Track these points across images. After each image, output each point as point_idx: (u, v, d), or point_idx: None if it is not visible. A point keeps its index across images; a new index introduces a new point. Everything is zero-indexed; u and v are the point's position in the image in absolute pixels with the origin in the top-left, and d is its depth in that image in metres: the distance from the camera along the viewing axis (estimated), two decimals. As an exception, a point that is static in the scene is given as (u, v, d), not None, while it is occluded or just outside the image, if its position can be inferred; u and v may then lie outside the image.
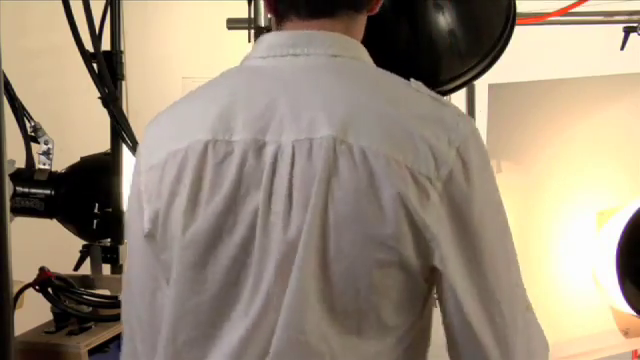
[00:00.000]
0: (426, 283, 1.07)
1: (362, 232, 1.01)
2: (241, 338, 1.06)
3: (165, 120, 1.15)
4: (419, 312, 1.10)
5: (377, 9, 1.19)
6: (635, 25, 2.28)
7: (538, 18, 2.28)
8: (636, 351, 2.29)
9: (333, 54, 1.09)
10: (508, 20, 1.83)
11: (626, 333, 2.05)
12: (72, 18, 1.94)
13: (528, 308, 1.14)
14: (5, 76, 1.72)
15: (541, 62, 3.37)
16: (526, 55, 2.94)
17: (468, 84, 1.90)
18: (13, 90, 1.88)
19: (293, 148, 1.02)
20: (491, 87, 1.77)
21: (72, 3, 1.94)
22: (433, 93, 1.11)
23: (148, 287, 1.16)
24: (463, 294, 1.05)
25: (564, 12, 2.21)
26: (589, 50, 3.47)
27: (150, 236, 1.13)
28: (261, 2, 2.32)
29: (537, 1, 2.25)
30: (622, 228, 1.93)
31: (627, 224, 1.93)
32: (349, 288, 1.03)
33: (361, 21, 1.17)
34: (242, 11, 2.35)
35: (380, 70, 1.14)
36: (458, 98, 2.28)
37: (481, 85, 1.86)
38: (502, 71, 1.85)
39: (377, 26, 1.85)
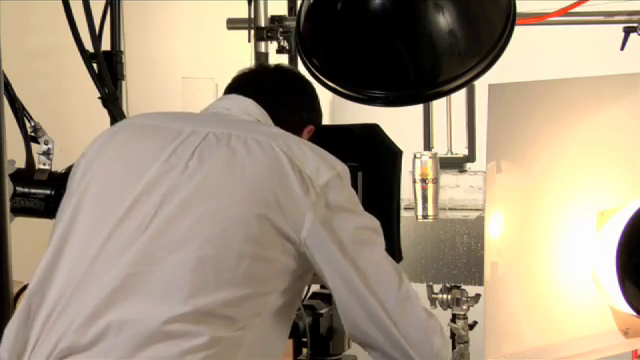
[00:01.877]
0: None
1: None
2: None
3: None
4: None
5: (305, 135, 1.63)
6: (635, 25, 2.28)
7: (538, 18, 2.28)
8: (636, 351, 2.30)
9: (257, 118, 1.55)
10: (508, 20, 1.83)
11: (626, 333, 2.05)
12: (72, 18, 1.94)
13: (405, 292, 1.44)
14: (5, 76, 1.72)
15: (541, 62, 3.38)
16: (526, 55, 2.94)
17: (468, 84, 1.90)
18: (13, 90, 1.88)
19: (216, 135, 1.41)
20: (491, 87, 1.77)
21: (72, 3, 1.94)
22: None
23: None
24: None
25: (564, 12, 2.21)
26: (589, 50, 3.47)
27: None
28: (261, 2, 2.33)
29: (537, 1, 2.25)
30: (622, 228, 1.93)
31: (627, 224, 1.93)
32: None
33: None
34: (242, 11, 2.35)
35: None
36: (458, 98, 2.28)
37: (481, 85, 1.86)
38: (502, 71, 1.85)
39: (378, 27, 1.86)
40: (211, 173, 1.36)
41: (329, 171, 1.39)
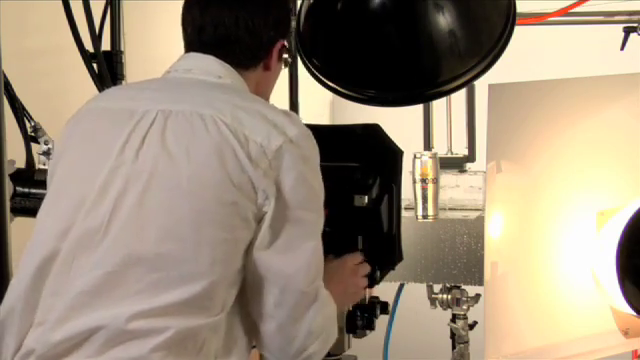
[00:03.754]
0: None
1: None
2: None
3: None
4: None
5: (273, 66, 1.55)
6: (635, 25, 2.29)
7: (538, 18, 2.28)
8: (636, 351, 2.30)
9: (218, 75, 1.51)
10: (508, 20, 1.83)
11: (626, 333, 2.05)
12: (72, 18, 1.94)
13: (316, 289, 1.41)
14: (5, 76, 1.73)
15: (541, 62, 3.38)
16: (526, 55, 2.94)
17: (468, 84, 1.90)
18: (13, 90, 1.88)
19: (164, 116, 1.40)
20: (491, 87, 1.77)
21: (72, 3, 1.94)
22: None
23: None
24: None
25: (564, 12, 2.22)
26: (589, 50, 3.47)
27: None
28: (261, 2, 2.32)
29: (537, 1, 2.26)
30: (622, 228, 1.93)
31: (627, 224, 1.93)
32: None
33: (253, 75, 1.54)
34: (242, 11, 2.34)
35: (250, 93, 1.51)
36: (458, 98, 2.28)
37: (481, 85, 1.86)
38: (502, 71, 1.85)
39: (378, 27, 1.86)
40: (159, 165, 1.34)
41: (280, 136, 1.36)
